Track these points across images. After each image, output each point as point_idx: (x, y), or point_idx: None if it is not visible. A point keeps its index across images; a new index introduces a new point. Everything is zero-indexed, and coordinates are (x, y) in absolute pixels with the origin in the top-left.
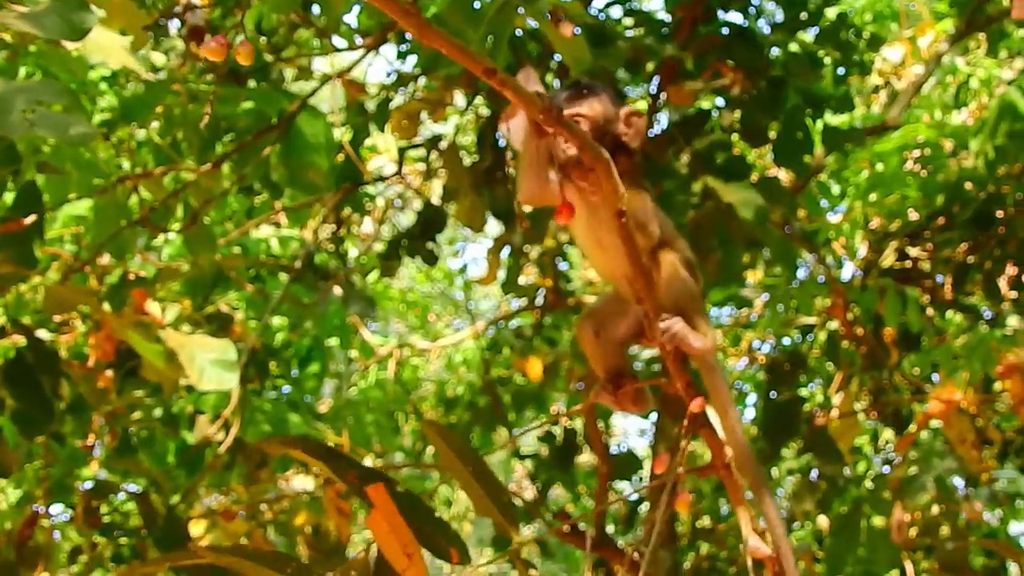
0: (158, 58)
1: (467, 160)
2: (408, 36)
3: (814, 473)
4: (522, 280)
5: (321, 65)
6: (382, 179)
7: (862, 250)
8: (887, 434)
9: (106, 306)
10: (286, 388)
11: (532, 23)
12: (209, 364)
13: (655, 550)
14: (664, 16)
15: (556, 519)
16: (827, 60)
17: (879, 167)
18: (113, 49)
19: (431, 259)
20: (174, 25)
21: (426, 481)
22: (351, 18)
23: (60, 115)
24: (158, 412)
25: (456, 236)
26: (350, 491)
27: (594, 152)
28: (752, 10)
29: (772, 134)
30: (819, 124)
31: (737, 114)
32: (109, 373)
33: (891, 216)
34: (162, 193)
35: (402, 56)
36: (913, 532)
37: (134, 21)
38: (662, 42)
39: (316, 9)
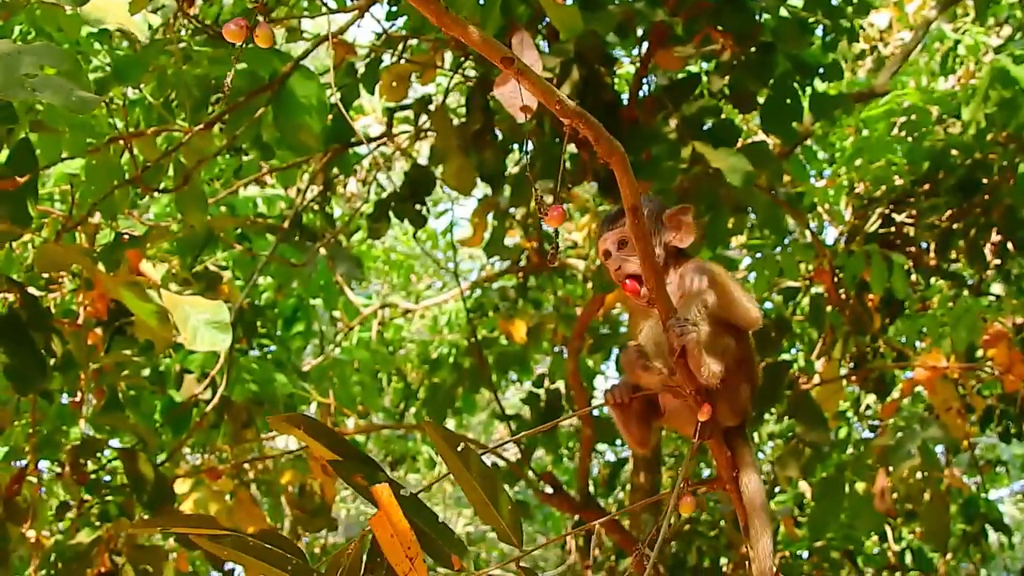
0: (154, 19)
1: (456, 122)
2: None
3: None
4: (507, 242)
5: (311, 26)
6: (372, 140)
7: (847, 215)
8: (869, 399)
9: (100, 265)
10: (271, 347)
11: None
12: (202, 325)
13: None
14: None
15: (539, 481)
16: (816, 26)
17: (865, 133)
18: (112, 10)
19: (419, 221)
20: None
21: (408, 442)
22: None
23: (62, 80)
24: (146, 371)
25: (440, 197)
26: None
27: (609, 145)
28: None
29: (761, 100)
30: (807, 90)
31: (726, 79)
32: (98, 331)
33: (876, 182)
34: (154, 153)
35: (392, 17)
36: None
37: None
38: (652, 7)
39: None
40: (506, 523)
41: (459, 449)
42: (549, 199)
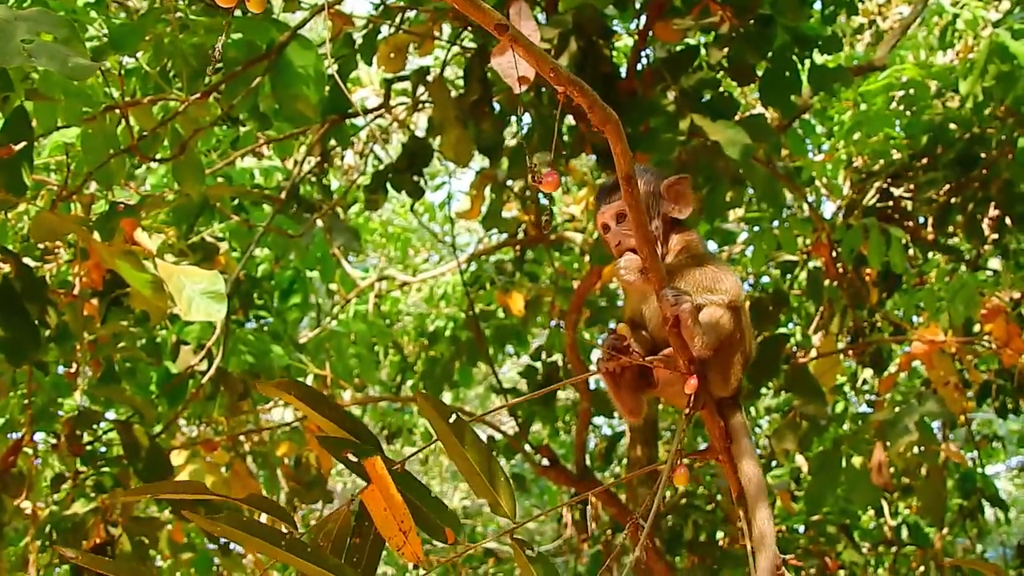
0: None
1: (454, 94)
2: None
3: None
4: (504, 214)
5: None
6: (369, 111)
7: (845, 189)
8: (867, 374)
9: (95, 235)
10: (268, 319)
11: None
12: (198, 295)
13: (655, 520)
14: None
15: (536, 454)
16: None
17: (864, 107)
18: None
19: (417, 192)
20: None
21: (405, 415)
22: None
23: (58, 47)
24: (142, 342)
25: (437, 170)
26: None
27: (604, 112)
28: None
29: (759, 72)
30: (805, 63)
31: (725, 52)
32: (94, 301)
33: (875, 156)
34: (151, 122)
35: None
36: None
37: None
38: None
39: None
40: (499, 495)
41: (451, 420)
42: (545, 170)
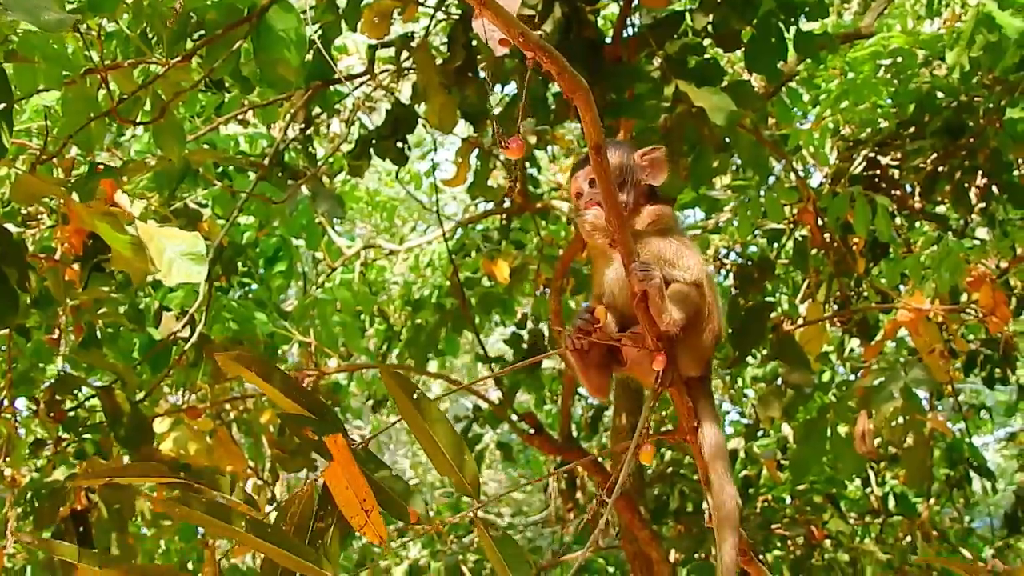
0: None
1: (438, 61)
2: None
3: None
4: (490, 183)
5: None
6: (352, 78)
7: (832, 158)
8: (853, 343)
9: (75, 197)
10: (253, 287)
11: None
12: (178, 256)
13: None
14: None
15: (522, 422)
16: None
17: (851, 75)
18: None
19: (401, 159)
20: None
21: None
22: None
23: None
24: (124, 307)
25: (423, 140)
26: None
27: (573, 79)
28: None
29: (745, 38)
30: (791, 29)
31: (710, 17)
32: (75, 267)
33: (862, 124)
34: (131, 85)
35: None
36: (878, 441)
37: None
38: None
39: None
40: (463, 473)
41: (414, 396)
42: (533, 139)
